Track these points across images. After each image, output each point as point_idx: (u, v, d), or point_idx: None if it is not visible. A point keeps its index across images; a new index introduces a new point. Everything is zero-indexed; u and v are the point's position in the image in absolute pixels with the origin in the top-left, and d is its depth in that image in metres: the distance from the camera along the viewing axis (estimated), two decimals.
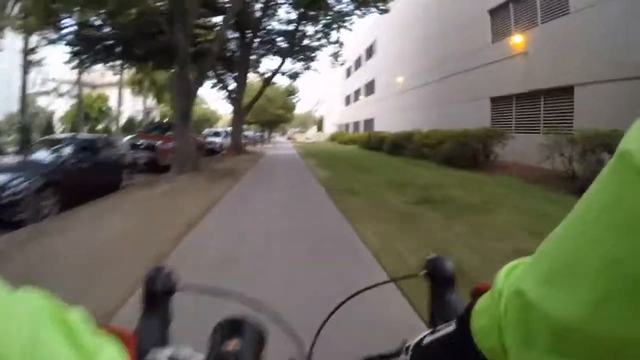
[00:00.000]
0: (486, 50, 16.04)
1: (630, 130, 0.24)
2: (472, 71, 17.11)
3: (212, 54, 10.94)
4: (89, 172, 7.99)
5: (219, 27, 11.57)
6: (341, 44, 23.36)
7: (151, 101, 66.00)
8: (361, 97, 40.98)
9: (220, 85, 21.15)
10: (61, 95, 68.99)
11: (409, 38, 27.03)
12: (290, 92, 41.89)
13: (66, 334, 0.28)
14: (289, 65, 23.38)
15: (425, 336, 0.48)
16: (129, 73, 52.57)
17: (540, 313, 0.28)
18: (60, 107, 63.97)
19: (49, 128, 46.91)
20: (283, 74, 22.59)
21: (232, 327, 0.50)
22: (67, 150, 7.88)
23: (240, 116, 19.38)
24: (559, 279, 0.28)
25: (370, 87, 38.27)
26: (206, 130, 26.57)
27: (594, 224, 0.25)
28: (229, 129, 30.19)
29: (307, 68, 23.68)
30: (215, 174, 10.83)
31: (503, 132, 12.54)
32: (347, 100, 50.27)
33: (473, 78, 17.02)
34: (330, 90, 60.29)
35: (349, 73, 50.03)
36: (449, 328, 0.45)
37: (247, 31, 19.19)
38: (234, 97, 19.55)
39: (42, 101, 64.83)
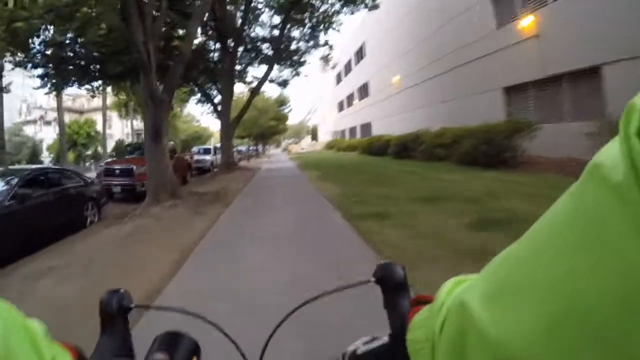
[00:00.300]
0: (491, 38, 14.70)
1: (602, 150, 0.23)
2: (477, 62, 15.74)
3: (182, 56, 9.42)
4: (39, 210, 6.41)
5: (190, 25, 10.06)
6: (330, 47, 22.02)
7: (140, 123, 65.02)
8: (355, 102, 39.64)
9: (205, 99, 19.72)
10: (48, 123, 67.57)
11: (401, 35, 25.66)
12: (282, 102, 40.50)
13: (31, 341, 0.33)
14: (277, 72, 22.04)
15: (360, 345, 0.49)
16: (112, 96, 51.80)
17: (482, 332, 0.26)
18: (48, 135, 62.83)
19: (34, 157, 45.54)
20: (272, 81, 21.16)
21: (165, 340, 0.53)
22: (8, 185, 6.13)
23: (228, 130, 17.89)
24: (507, 297, 0.26)
25: (363, 91, 36.94)
26: (195, 148, 25.06)
27: (556, 239, 0.23)
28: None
29: (296, 74, 22.25)
30: (200, 199, 9.17)
31: (531, 123, 11.04)
32: (340, 107, 48.95)
33: (480, 69, 15.62)
34: (322, 98, 59.01)
35: (339, 79, 48.76)
36: (383, 339, 0.46)
37: (229, 39, 17.83)
38: (221, 111, 18.10)
39: (29, 130, 63.58)
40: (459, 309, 0.30)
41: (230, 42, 17.93)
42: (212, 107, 19.40)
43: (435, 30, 19.78)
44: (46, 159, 49.97)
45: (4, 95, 20.36)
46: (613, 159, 0.21)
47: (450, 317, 0.32)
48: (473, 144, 11.83)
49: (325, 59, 22.18)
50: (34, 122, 68.43)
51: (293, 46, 20.59)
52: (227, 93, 17.64)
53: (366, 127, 36.00)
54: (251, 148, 37.85)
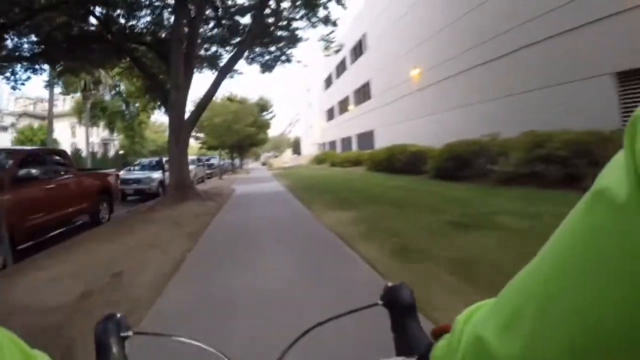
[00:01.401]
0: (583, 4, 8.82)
1: (606, 168, 0.22)
2: (563, 37, 9.81)
3: None
4: None
5: None
6: (334, 23, 15.62)
7: (103, 132, 57.17)
8: (350, 108, 33.42)
9: (149, 85, 12.97)
10: (4, 129, 58.83)
11: (418, 19, 19.70)
12: (263, 106, 33.88)
13: None
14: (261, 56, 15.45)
15: None
16: (73, 100, 44.07)
17: None
18: (2, 141, 54.43)
19: None
20: (251, 60, 14.53)
21: None
22: None
23: (180, 133, 11.16)
24: (522, 328, 0.25)
25: (362, 94, 30.75)
26: (140, 160, 18.18)
27: (565, 267, 0.23)
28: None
29: (286, 60, 15.64)
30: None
31: None
32: (330, 115, 42.69)
33: (569, 48, 9.79)
34: (309, 105, 52.68)
35: (329, 82, 42.59)
36: None
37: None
38: (169, 102, 11.34)
39: None
40: (476, 344, 0.30)
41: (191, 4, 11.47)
42: (159, 97, 12.57)
43: (479, 3, 13.80)
44: None
45: None
46: (617, 179, 0.21)
47: (470, 352, 0.31)
48: None
49: (327, 41, 15.68)
50: None
51: (284, 21, 14.10)
52: (179, 76, 10.92)
53: (366, 137, 29.73)
54: (224, 161, 31.06)
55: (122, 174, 16.30)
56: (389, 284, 0.62)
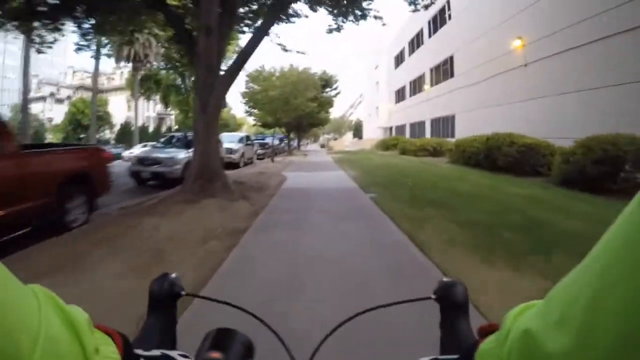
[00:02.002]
0: None
1: None
2: None
3: None
4: None
5: None
6: None
7: (160, 107, 56.20)
8: (426, 88, 28.89)
9: (175, 35, 9.54)
10: (60, 101, 59.56)
11: None
12: (326, 81, 30.04)
13: (71, 330, 0.32)
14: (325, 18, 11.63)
15: None
16: (128, 73, 42.74)
17: (549, 358, 0.27)
18: (58, 114, 55.20)
19: (37, 139, 37.69)
20: (317, 3, 10.74)
21: (219, 338, 0.50)
22: None
23: (209, 100, 7.73)
24: (575, 321, 0.25)
25: (443, 71, 26.15)
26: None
27: (614, 265, 0.24)
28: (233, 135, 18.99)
29: (361, 15, 11.64)
30: None
31: None
32: (399, 96, 38.20)
33: None
34: (377, 84, 48.30)
35: (400, 59, 37.99)
36: None
37: None
38: (199, 56, 7.87)
39: (37, 108, 55.92)
40: (524, 337, 0.30)
41: None
42: (186, 48, 9.12)
43: None
44: (50, 140, 42.07)
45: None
46: None
47: (517, 346, 0.32)
48: None
49: None
50: (43, 99, 61.60)
51: None
52: (210, 10, 7.48)
53: (444, 122, 25.34)
54: (277, 139, 27.81)
55: (140, 152, 13.36)
56: (444, 279, 0.62)
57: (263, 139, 27.62)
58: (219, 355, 0.47)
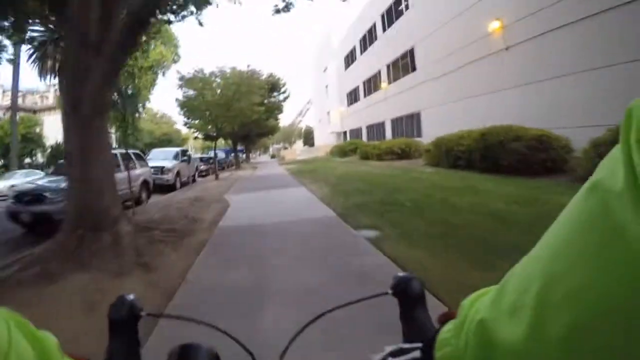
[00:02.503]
0: None
1: (603, 162, 0.24)
2: None
3: None
4: None
5: None
6: None
7: None
8: (383, 86, 26.49)
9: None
10: None
11: None
12: (273, 84, 26.79)
13: (41, 354, 0.32)
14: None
15: (387, 356, 0.49)
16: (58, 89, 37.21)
17: (504, 348, 0.27)
18: None
19: None
20: None
21: (183, 354, 0.49)
22: None
23: (83, 98, 4.34)
24: (524, 312, 0.26)
25: (402, 66, 23.83)
26: None
27: (562, 253, 0.24)
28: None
29: None
30: None
31: None
32: (352, 98, 35.75)
33: None
34: (326, 87, 45.72)
35: (351, 59, 35.63)
36: (414, 354, 0.46)
37: None
38: (68, 32, 4.53)
39: None
40: (480, 328, 0.31)
41: None
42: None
43: None
44: None
45: None
46: (613, 171, 0.22)
47: (472, 335, 0.32)
48: None
49: None
50: None
51: None
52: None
53: (407, 121, 23.00)
54: (223, 153, 24.30)
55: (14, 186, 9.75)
56: (400, 274, 0.63)
57: (208, 155, 24.11)
58: None
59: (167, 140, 54.02)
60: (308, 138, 72.90)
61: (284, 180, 13.76)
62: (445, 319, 0.44)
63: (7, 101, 56.69)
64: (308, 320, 0.61)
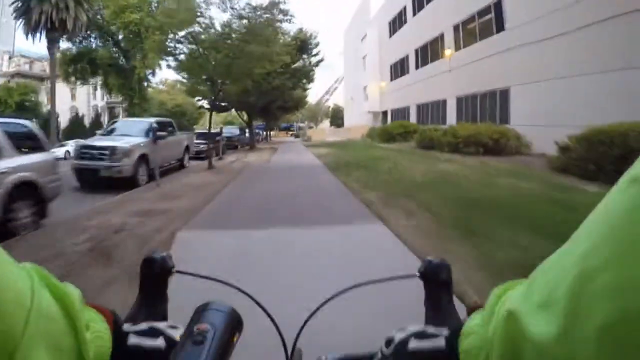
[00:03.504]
0: None
1: None
2: None
3: None
4: None
5: None
6: None
7: (107, 96, 45.07)
8: (447, 53, 20.15)
9: None
10: None
11: None
12: (302, 42, 20.50)
13: (63, 307, 0.32)
14: None
15: (411, 336, 0.47)
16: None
17: (534, 342, 0.26)
18: None
19: None
20: None
21: (208, 310, 0.50)
22: None
23: None
24: (557, 306, 0.25)
25: (480, 26, 17.54)
26: None
27: (597, 249, 0.23)
28: None
29: None
30: None
31: None
32: (397, 71, 29.43)
33: None
34: (354, 66, 39.35)
35: (396, 24, 29.25)
36: (439, 341, 0.46)
37: None
38: None
39: None
40: (508, 318, 0.30)
41: None
42: None
43: None
44: None
45: None
46: None
47: (501, 326, 0.32)
48: None
49: None
50: None
51: None
52: None
53: (483, 101, 16.82)
54: (235, 133, 18.47)
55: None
56: (429, 258, 0.63)
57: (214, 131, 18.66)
58: (207, 327, 0.47)
59: (180, 112, 48.57)
60: (336, 118, 66.63)
61: (318, 181, 8.01)
62: (474, 309, 0.43)
63: (12, 67, 52.44)
64: (325, 299, 0.60)
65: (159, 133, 9.87)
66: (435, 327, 0.48)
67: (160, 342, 0.48)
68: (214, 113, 15.21)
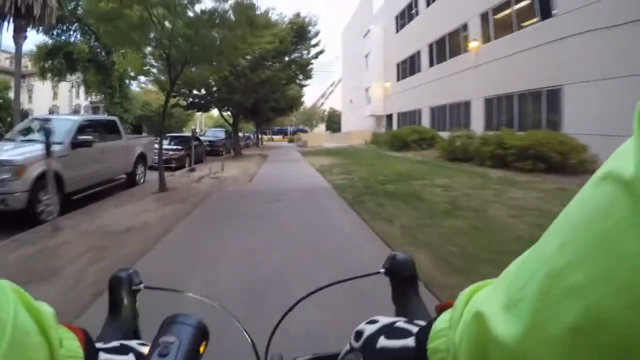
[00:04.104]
0: None
1: (614, 154, 0.23)
2: None
3: None
4: None
5: None
6: None
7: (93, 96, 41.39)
8: (472, 46, 16.92)
9: None
10: None
11: None
12: (300, 28, 17.05)
13: (38, 323, 0.33)
14: None
15: (380, 331, 0.47)
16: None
17: (501, 343, 0.25)
18: None
19: None
20: None
21: (174, 323, 0.51)
22: None
23: None
24: (524, 306, 0.25)
25: (516, 12, 14.35)
26: None
27: (569, 245, 0.23)
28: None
29: None
30: None
31: None
32: (405, 70, 26.19)
33: None
34: (350, 69, 36.09)
35: (405, 18, 26.07)
36: (407, 341, 0.45)
37: None
38: None
39: None
40: (475, 320, 0.30)
41: None
42: None
43: None
44: None
45: None
46: (625, 161, 0.21)
47: (468, 329, 0.31)
48: None
49: None
50: None
51: None
52: None
53: (523, 102, 13.62)
54: (219, 136, 15.23)
55: None
56: (393, 253, 0.62)
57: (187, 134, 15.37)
58: (173, 338, 0.47)
59: (168, 113, 44.90)
60: (332, 122, 63.31)
61: (332, 232, 4.69)
62: (443, 308, 0.42)
63: None
64: (292, 303, 0.61)
65: (80, 138, 6.47)
66: (404, 322, 0.47)
67: (130, 358, 0.47)
68: (204, 115, 11.98)
